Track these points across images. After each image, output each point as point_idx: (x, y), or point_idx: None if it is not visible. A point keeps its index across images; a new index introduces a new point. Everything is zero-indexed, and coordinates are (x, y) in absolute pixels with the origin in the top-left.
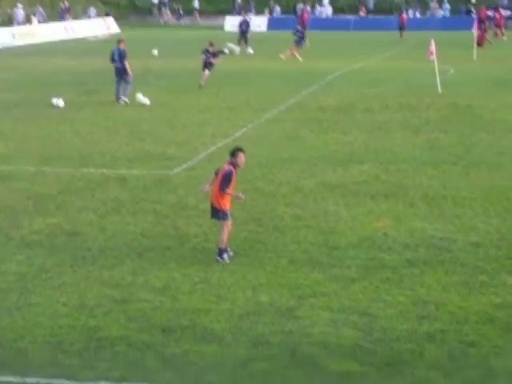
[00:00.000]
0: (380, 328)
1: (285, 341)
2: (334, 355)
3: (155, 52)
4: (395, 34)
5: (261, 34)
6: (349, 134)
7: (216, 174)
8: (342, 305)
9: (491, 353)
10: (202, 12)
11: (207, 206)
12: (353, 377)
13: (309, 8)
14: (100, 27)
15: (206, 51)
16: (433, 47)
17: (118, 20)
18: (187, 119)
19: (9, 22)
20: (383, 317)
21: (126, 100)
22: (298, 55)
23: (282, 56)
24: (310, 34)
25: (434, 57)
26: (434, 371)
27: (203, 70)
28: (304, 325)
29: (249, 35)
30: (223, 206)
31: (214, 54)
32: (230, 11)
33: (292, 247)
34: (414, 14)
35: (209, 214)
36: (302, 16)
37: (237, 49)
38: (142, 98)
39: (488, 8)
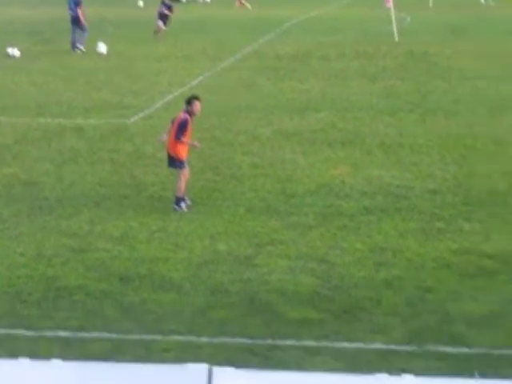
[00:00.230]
0: (338, 275)
1: (243, 289)
2: (292, 302)
3: (141, 3)
4: None
5: None
6: (305, 82)
7: (172, 122)
8: (299, 252)
9: (448, 298)
10: None
11: (164, 155)
12: (311, 324)
13: None
14: None
15: (162, 3)
16: None
17: None
18: (144, 68)
19: None
20: (341, 264)
21: (82, 48)
22: (246, 4)
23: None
24: None
25: (390, 4)
26: (391, 317)
27: (158, 20)
28: (262, 272)
29: None
30: (180, 155)
31: (170, 7)
32: None
33: (250, 195)
34: None
35: (166, 163)
36: None
37: None
38: (102, 46)
39: None
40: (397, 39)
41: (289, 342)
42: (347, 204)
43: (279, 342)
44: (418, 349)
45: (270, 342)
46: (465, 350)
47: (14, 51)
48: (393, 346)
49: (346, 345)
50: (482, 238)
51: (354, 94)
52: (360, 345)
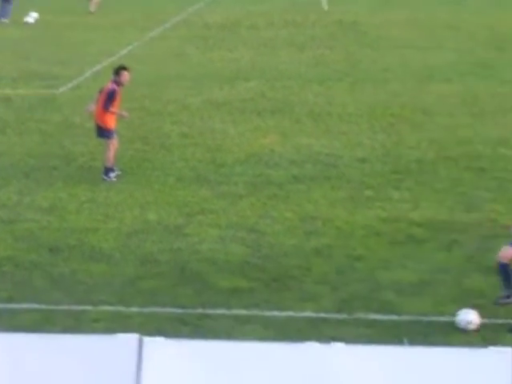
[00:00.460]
0: (268, 244)
1: (173, 258)
2: (222, 272)
3: None
4: None
5: None
6: (235, 51)
7: (100, 92)
8: (229, 221)
9: (378, 266)
10: None
11: (93, 125)
12: (241, 293)
13: None
14: None
15: None
16: None
17: None
18: (72, 38)
19: None
20: (271, 233)
21: (5, 21)
22: None
23: None
24: None
25: None
26: (321, 286)
27: None
28: (192, 242)
29: None
30: (108, 125)
31: None
32: None
33: (179, 165)
34: None
35: (94, 133)
36: None
37: None
38: (32, 15)
39: None
40: (326, 8)
41: (219, 311)
42: (277, 173)
43: (209, 311)
44: (347, 317)
45: (200, 311)
46: (394, 317)
47: None
48: (323, 314)
49: (276, 313)
50: (411, 206)
51: (283, 63)
52: (290, 313)
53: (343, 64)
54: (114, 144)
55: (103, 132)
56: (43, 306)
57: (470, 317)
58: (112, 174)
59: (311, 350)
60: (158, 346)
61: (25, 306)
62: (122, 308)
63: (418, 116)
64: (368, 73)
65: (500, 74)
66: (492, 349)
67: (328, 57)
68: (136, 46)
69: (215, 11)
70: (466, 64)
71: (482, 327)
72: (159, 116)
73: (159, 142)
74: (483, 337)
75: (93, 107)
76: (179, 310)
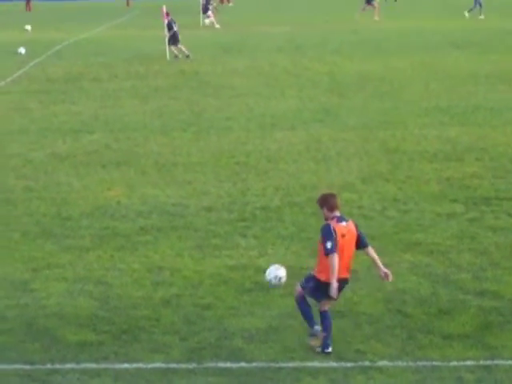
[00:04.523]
0: (116, 296)
1: (20, 314)
2: (70, 326)
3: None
4: (121, 1)
5: None
6: (78, 104)
7: None
8: (77, 275)
9: (226, 314)
10: None
11: None
12: (90, 346)
13: None
14: None
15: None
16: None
17: None
18: None
19: None
20: (119, 285)
21: None
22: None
23: None
24: (35, 4)
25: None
26: (170, 336)
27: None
28: (39, 297)
29: None
30: None
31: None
32: None
33: (24, 220)
34: None
35: None
36: None
37: None
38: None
39: None
40: (168, 58)
41: (68, 366)
42: (123, 225)
43: (58, 366)
44: (197, 366)
45: (49, 366)
46: (244, 364)
47: None
48: (173, 365)
49: (126, 365)
50: (258, 252)
51: (127, 115)
52: (140, 365)
53: (187, 114)
54: None
55: None
56: None
57: (279, 272)
58: None
59: None
60: None
61: None
62: None
63: (262, 163)
64: (212, 122)
65: (342, 120)
66: None
67: (172, 107)
68: None
69: (57, 64)
70: (308, 111)
71: (332, 370)
72: (2, 171)
73: (3, 196)
74: (333, 380)
75: None
76: (27, 366)
